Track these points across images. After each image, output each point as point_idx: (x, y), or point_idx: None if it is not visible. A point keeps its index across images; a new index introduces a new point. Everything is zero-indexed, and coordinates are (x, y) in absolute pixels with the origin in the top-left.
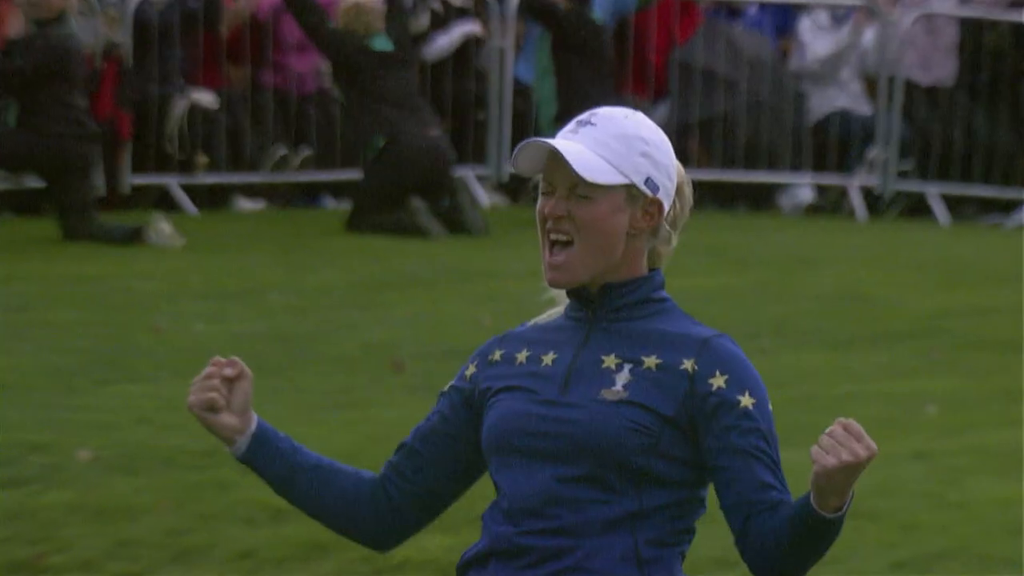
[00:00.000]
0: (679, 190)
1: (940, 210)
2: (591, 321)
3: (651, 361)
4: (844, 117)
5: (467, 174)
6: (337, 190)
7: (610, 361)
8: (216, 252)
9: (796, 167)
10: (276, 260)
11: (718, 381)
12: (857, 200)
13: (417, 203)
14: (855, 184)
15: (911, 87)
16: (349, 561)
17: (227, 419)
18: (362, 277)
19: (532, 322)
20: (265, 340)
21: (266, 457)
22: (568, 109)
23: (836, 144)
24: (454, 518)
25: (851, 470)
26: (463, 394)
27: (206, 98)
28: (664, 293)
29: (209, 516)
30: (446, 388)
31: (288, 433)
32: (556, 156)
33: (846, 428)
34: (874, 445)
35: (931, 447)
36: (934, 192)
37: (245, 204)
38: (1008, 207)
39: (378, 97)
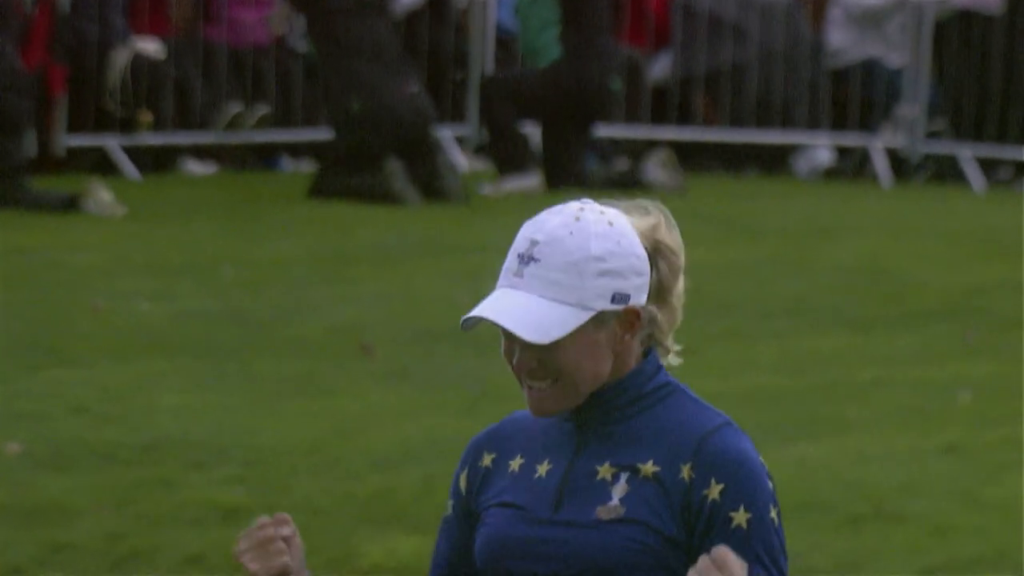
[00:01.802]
0: (656, 253)
1: (974, 174)
2: (582, 429)
3: (648, 468)
4: (868, 69)
5: (445, 135)
6: (297, 151)
7: (605, 471)
8: (161, 222)
9: (813, 126)
10: (229, 230)
11: (712, 493)
12: (881, 163)
13: (394, 165)
14: (879, 145)
15: (946, 25)
16: (312, 566)
17: None
18: (326, 250)
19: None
20: (216, 320)
21: None
22: (579, 57)
23: (858, 100)
24: (425, 517)
25: None
26: (462, 513)
27: (152, 47)
28: (662, 378)
29: (153, 518)
30: (448, 511)
31: (242, 424)
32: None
33: (712, 559)
34: (741, 573)
35: (965, 440)
36: (968, 155)
37: (194, 167)
38: None
39: (353, 50)
